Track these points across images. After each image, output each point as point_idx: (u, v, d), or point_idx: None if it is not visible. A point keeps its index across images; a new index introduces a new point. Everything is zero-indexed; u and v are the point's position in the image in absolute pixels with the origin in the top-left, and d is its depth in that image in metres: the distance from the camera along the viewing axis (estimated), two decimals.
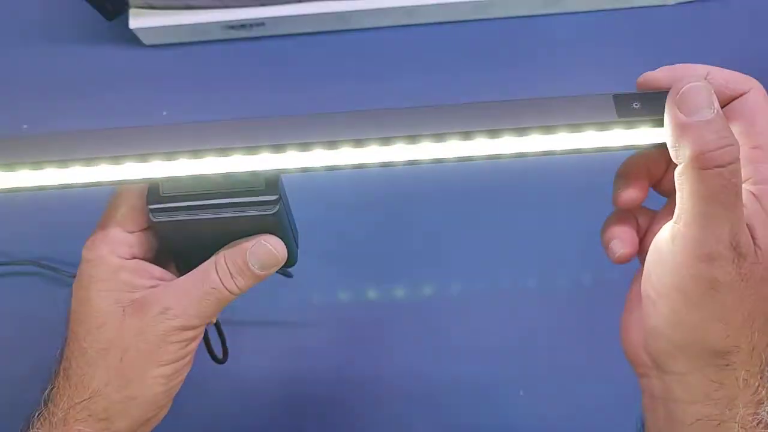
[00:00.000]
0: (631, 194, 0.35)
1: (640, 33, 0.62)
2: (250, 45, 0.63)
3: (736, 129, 0.30)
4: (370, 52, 0.63)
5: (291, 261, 0.38)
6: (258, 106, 0.62)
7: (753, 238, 0.29)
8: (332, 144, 0.31)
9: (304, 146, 0.31)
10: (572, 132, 0.31)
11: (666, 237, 0.30)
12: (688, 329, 0.30)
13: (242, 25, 0.61)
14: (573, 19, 0.63)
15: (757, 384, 0.30)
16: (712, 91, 0.29)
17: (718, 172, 0.28)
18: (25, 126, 0.62)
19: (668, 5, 0.63)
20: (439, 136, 0.31)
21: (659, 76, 0.32)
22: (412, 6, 0.61)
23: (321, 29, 0.63)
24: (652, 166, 0.35)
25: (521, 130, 0.31)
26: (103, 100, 0.63)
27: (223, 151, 0.32)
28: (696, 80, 0.29)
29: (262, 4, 0.60)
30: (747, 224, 0.29)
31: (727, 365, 0.30)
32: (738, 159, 0.28)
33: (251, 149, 0.32)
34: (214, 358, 0.44)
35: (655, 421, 0.33)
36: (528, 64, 0.62)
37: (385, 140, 0.31)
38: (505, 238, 0.58)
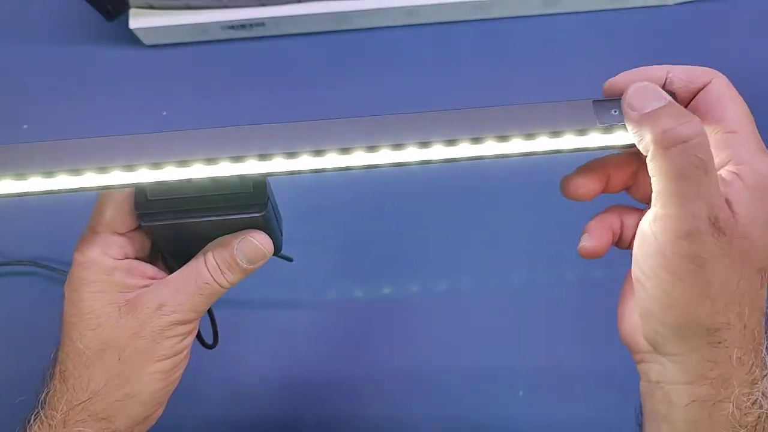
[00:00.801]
0: (578, 182, 0.35)
1: (640, 33, 0.62)
2: (250, 45, 0.63)
3: (708, 118, 0.32)
4: (370, 52, 0.63)
5: (276, 249, 0.38)
6: (258, 106, 0.62)
7: (734, 213, 0.30)
8: (318, 152, 0.32)
9: (291, 155, 0.32)
10: (553, 138, 0.32)
11: (648, 221, 0.31)
12: (679, 309, 0.30)
13: (242, 25, 0.61)
14: (573, 19, 0.63)
15: (751, 362, 0.30)
16: (659, 87, 0.31)
17: (682, 149, 0.28)
18: (25, 126, 0.62)
19: (668, 5, 0.63)
20: (424, 144, 0.32)
21: (620, 80, 0.33)
22: (412, 6, 0.61)
23: (321, 29, 0.63)
24: (614, 168, 0.36)
25: (504, 137, 0.32)
26: (103, 100, 0.63)
27: (210, 160, 0.32)
28: (641, 82, 0.31)
29: (262, 4, 0.60)
30: (729, 201, 0.30)
31: (719, 343, 0.30)
32: (702, 134, 0.29)
33: (237, 159, 0.32)
34: (203, 343, 0.44)
35: (653, 405, 0.33)
36: (528, 64, 0.62)
37: (371, 148, 0.32)
38: (506, 237, 0.58)
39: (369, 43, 0.63)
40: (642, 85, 0.31)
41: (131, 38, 0.62)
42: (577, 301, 0.56)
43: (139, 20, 0.60)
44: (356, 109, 0.62)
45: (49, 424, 0.34)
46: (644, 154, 0.30)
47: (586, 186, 0.35)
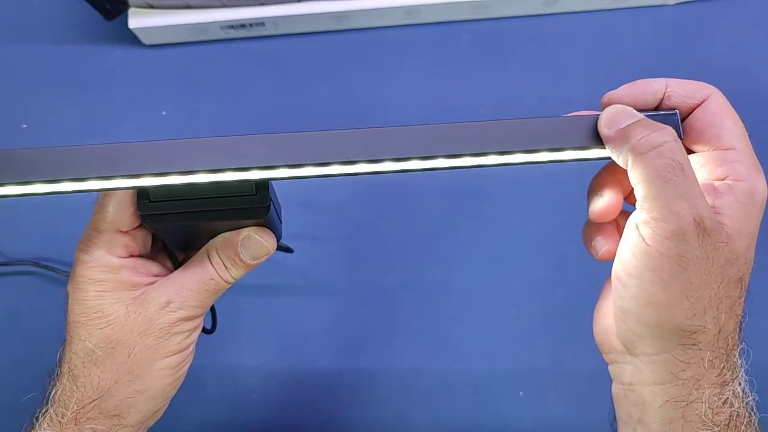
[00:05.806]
0: (604, 206, 0.35)
1: (640, 33, 0.62)
2: (250, 45, 0.63)
3: (706, 134, 0.32)
4: (370, 52, 0.63)
5: (277, 239, 0.39)
6: (257, 106, 0.62)
7: (722, 225, 0.31)
8: (322, 164, 0.32)
9: (294, 166, 0.32)
10: (555, 153, 0.33)
11: (633, 223, 0.32)
12: (657, 307, 0.31)
13: (242, 25, 0.61)
14: (573, 19, 0.63)
15: (722, 365, 0.31)
16: (632, 110, 0.32)
17: (657, 152, 0.30)
18: (24, 126, 0.62)
19: (668, 5, 0.63)
20: (428, 158, 0.32)
21: (621, 93, 0.34)
22: (412, 6, 0.61)
23: (321, 29, 0.63)
24: (623, 177, 0.36)
25: (507, 153, 0.32)
26: (103, 100, 0.63)
27: (214, 170, 0.32)
28: (616, 105, 0.33)
29: (262, 4, 0.60)
30: (718, 212, 0.31)
31: (694, 345, 0.31)
32: (675, 139, 0.30)
33: (242, 169, 0.32)
34: (202, 329, 0.44)
35: (627, 408, 0.34)
36: (528, 64, 0.62)
37: (374, 161, 0.32)
38: (507, 237, 0.58)
39: (369, 43, 0.63)
40: (616, 107, 0.32)
41: (131, 38, 0.62)
42: (578, 301, 0.56)
43: (138, 20, 0.60)
44: (356, 109, 0.62)
45: (60, 422, 0.35)
46: (624, 167, 0.31)
47: (612, 209, 0.36)
